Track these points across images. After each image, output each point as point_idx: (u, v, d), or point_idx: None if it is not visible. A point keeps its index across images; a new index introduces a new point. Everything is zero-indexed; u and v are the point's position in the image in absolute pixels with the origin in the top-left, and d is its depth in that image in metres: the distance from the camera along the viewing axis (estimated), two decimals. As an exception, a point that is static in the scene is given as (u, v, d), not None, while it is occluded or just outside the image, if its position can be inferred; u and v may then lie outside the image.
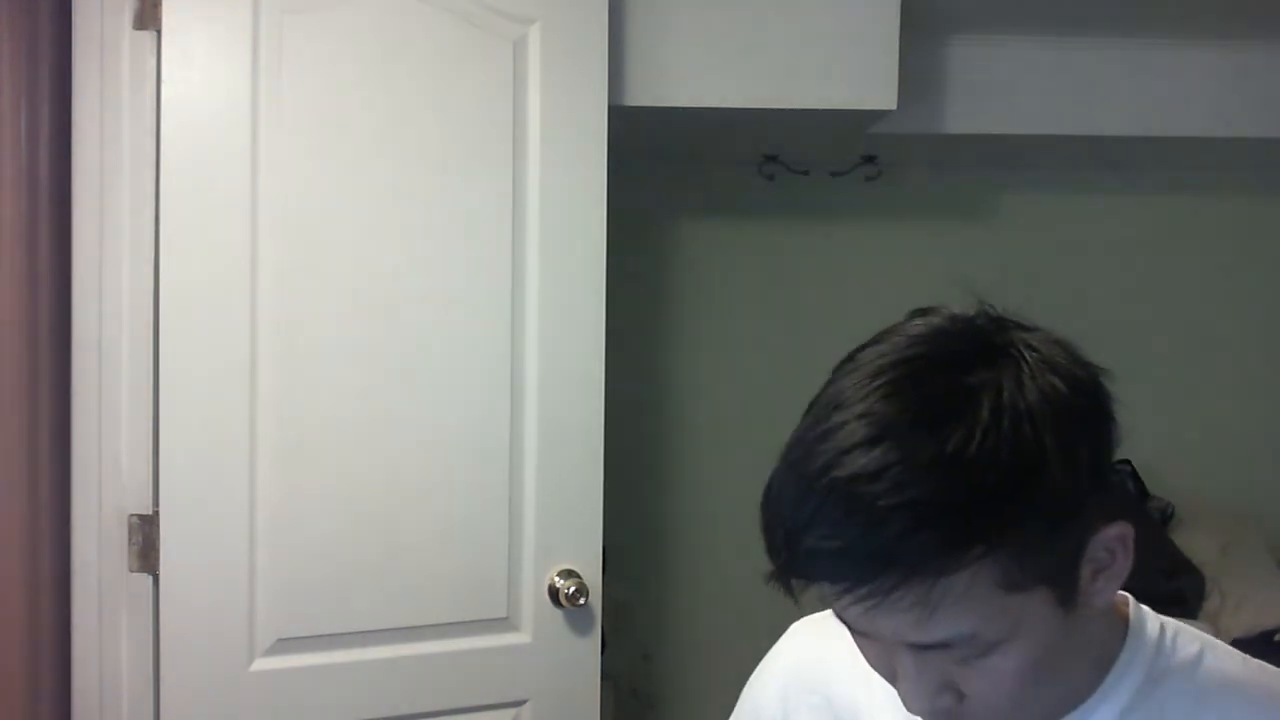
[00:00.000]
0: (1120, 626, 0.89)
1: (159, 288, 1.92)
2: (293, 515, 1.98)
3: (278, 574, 1.97)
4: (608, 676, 2.33)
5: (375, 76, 2.01)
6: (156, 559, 1.93)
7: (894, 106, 2.49)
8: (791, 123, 2.64)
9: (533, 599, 2.13)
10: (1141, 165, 3.51)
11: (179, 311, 1.92)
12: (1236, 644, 0.94)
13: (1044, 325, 0.83)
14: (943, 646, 0.76)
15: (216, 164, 1.93)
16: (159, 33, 1.91)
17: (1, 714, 1.91)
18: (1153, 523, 3.21)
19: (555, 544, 2.13)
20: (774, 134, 3.00)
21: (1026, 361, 0.77)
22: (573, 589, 2.10)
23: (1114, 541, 0.80)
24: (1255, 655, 0.91)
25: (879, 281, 3.22)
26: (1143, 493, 3.31)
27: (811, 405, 0.80)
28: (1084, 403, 0.78)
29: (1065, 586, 0.78)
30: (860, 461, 0.73)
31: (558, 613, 2.13)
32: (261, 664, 1.98)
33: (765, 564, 0.82)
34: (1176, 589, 2.89)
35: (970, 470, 0.72)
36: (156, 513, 1.93)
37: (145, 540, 1.94)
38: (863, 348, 0.81)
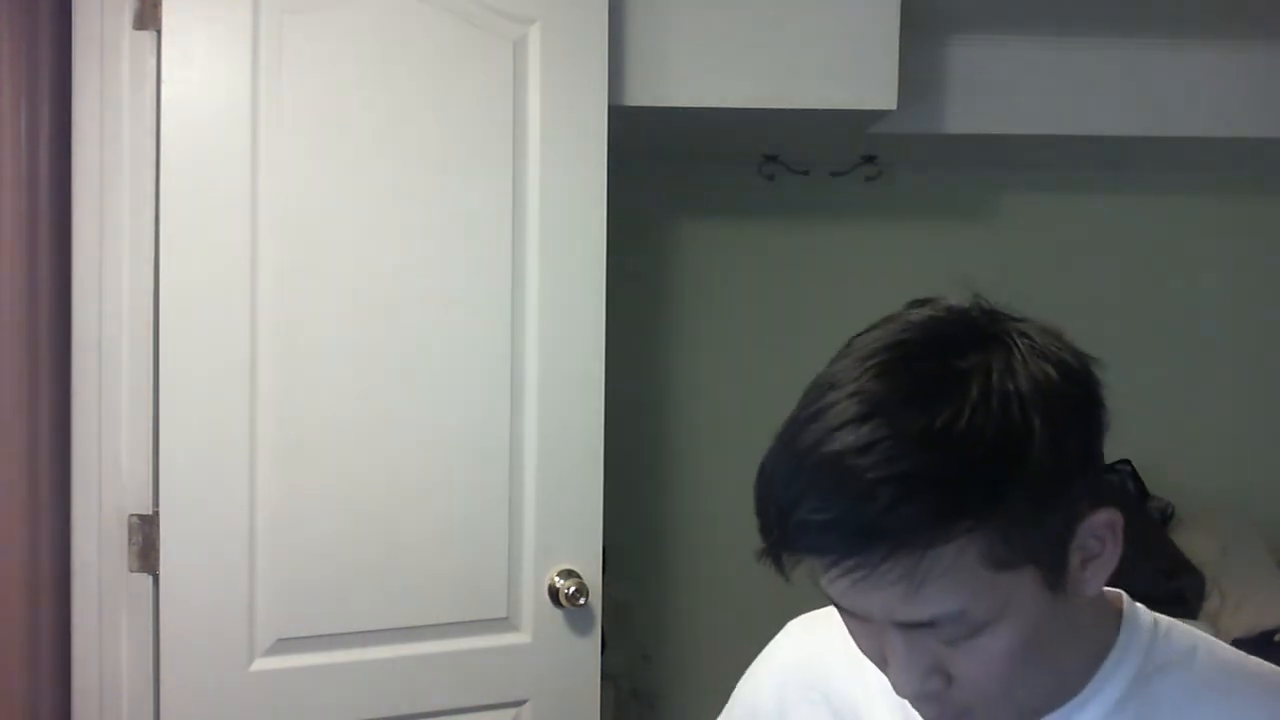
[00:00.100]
0: (1114, 621, 0.90)
1: (159, 288, 1.92)
2: (293, 515, 1.98)
3: (278, 574, 1.97)
4: (608, 676, 2.33)
5: (375, 76, 2.01)
6: (156, 559, 1.93)
7: (894, 106, 2.49)
8: (791, 123, 2.64)
9: (533, 599, 2.13)
10: (1141, 165, 3.51)
11: (179, 311, 1.92)
12: (1236, 644, 0.94)
13: (1055, 324, 0.84)
14: (930, 625, 0.77)
15: (216, 164, 1.93)
16: (159, 33, 1.91)
17: (1, 714, 1.91)
18: (1153, 523, 3.21)
19: (555, 544, 2.13)
20: (774, 134, 3.00)
21: (1018, 347, 0.78)
22: (573, 589, 2.10)
23: (1103, 529, 0.81)
24: (1255, 655, 0.92)
25: (879, 281, 3.21)
26: (1143, 493, 3.32)
27: (808, 389, 0.81)
28: (1074, 389, 0.79)
29: (1053, 569, 0.78)
30: (850, 437, 0.74)
31: (558, 613, 2.13)
32: (261, 664, 1.98)
33: (764, 562, 0.82)
34: (1176, 589, 2.89)
35: (958, 445, 0.73)
36: (156, 513, 1.93)
37: (145, 540, 1.94)
38: (860, 334, 0.83)
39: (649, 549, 3.32)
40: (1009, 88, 2.93)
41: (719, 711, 1.12)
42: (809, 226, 3.41)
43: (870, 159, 3.27)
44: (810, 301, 3.31)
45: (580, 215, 2.13)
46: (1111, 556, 0.82)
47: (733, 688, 1.12)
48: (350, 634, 2.02)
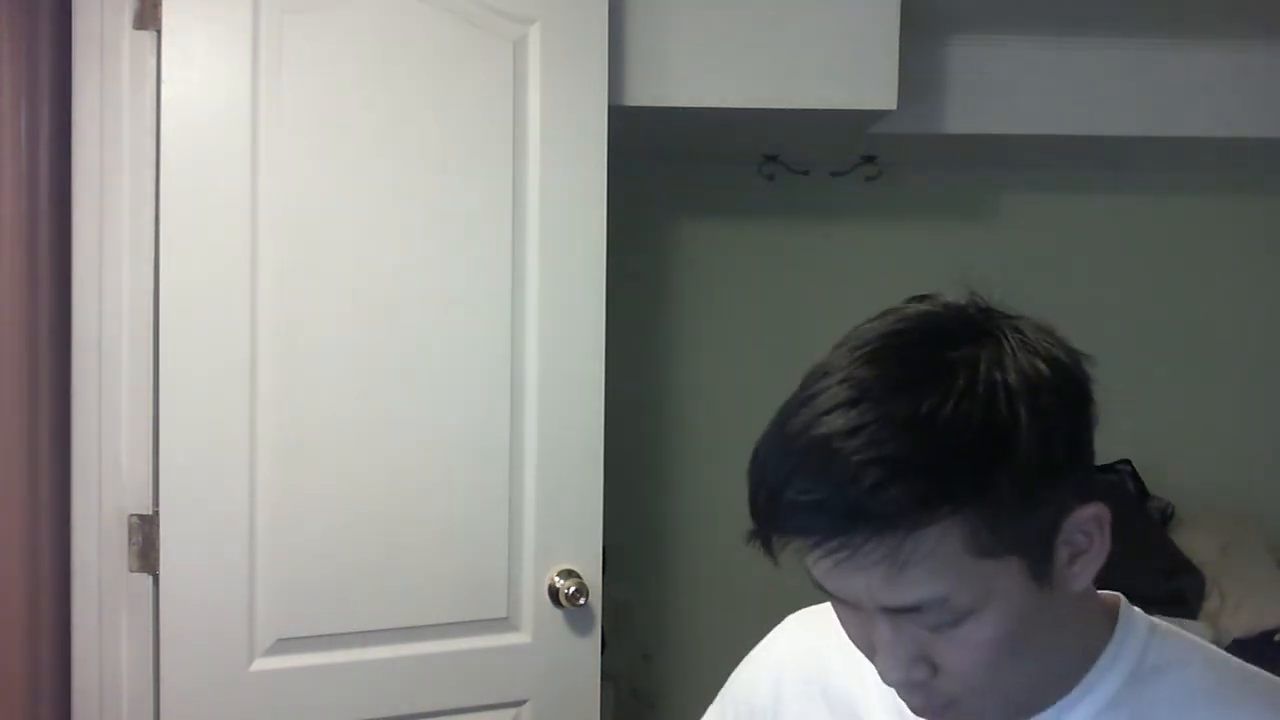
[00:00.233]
0: (1109, 622, 0.90)
1: (159, 288, 1.92)
2: (293, 515, 1.98)
3: (278, 574, 1.97)
4: (608, 676, 2.33)
5: (375, 76, 2.01)
6: (156, 559, 1.93)
7: (894, 106, 2.49)
8: (791, 123, 2.64)
9: (533, 599, 2.13)
10: (1141, 165, 3.51)
11: (179, 311, 1.92)
12: (1236, 644, 0.95)
13: (1050, 321, 0.85)
14: (915, 611, 0.78)
15: (216, 164, 1.93)
16: (159, 33, 1.91)
17: (1, 714, 1.91)
18: (1153, 523, 3.21)
19: (555, 544, 2.13)
20: (774, 134, 3.00)
21: (1009, 342, 0.80)
22: (573, 589, 2.10)
23: (1090, 523, 0.81)
24: (1255, 655, 0.91)
25: (879, 281, 3.20)
26: (1143, 493, 3.32)
27: (804, 376, 0.83)
28: (1063, 383, 0.80)
29: (1039, 560, 0.79)
30: (839, 421, 0.76)
31: (558, 613, 2.13)
32: (261, 664, 1.98)
33: (764, 562, 0.83)
34: (1176, 589, 2.89)
35: (943, 431, 0.75)
36: (156, 513, 1.93)
37: (145, 540, 1.94)
38: (858, 326, 0.84)
39: (649, 549, 3.32)
40: (1009, 88, 2.93)
41: (719, 711, 1.12)
42: (809, 226, 3.41)
43: (870, 159, 3.27)
44: (810, 301, 3.31)
45: (580, 215, 2.13)
46: (1100, 552, 0.82)
47: (732, 687, 1.12)
48: (350, 634, 2.02)
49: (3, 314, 1.89)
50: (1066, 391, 0.80)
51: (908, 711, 0.88)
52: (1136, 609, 0.92)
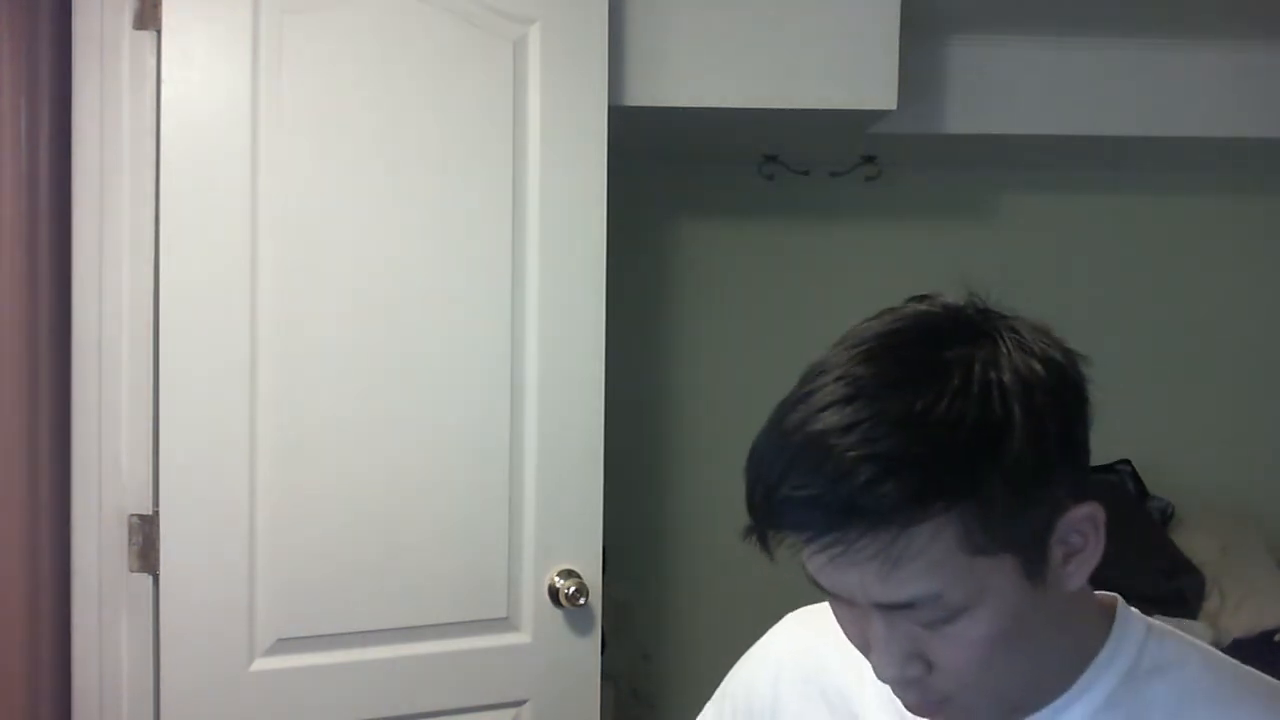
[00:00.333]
0: (1105, 623, 0.90)
1: (159, 288, 1.92)
2: (293, 515, 1.98)
3: (278, 574, 1.97)
4: (608, 676, 2.33)
5: (375, 76, 2.01)
6: (156, 559, 1.93)
7: (894, 106, 2.49)
8: (791, 123, 2.64)
9: (533, 599, 2.13)
10: (1141, 165, 3.51)
11: (179, 311, 1.92)
12: (1236, 644, 0.95)
13: (1047, 322, 0.86)
14: (909, 607, 0.78)
15: (216, 164, 1.93)
16: (159, 33, 1.91)
17: (1, 714, 1.91)
18: (1153, 523, 3.21)
19: (555, 544, 2.13)
20: (774, 134, 3.00)
21: (1005, 342, 0.80)
22: (573, 589, 2.10)
23: (1084, 523, 0.82)
24: (1255, 655, 0.91)
25: (879, 281, 3.20)
26: (1143, 493, 3.32)
27: (802, 373, 0.84)
28: (1058, 383, 0.81)
29: (1033, 559, 0.80)
30: (834, 418, 0.77)
31: (558, 613, 2.13)
32: (261, 664, 1.98)
33: (763, 562, 0.84)
34: (1176, 589, 2.89)
35: (936, 428, 0.76)
36: (156, 513, 1.93)
37: (145, 540, 1.94)
38: (856, 326, 0.85)
39: (649, 549, 3.32)
40: (1009, 88, 2.93)
41: (719, 712, 1.12)
42: (809, 226, 3.41)
43: (870, 159, 3.27)
44: (810, 301, 3.31)
45: (580, 215, 2.13)
46: (1094, 552, 0.83)
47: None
48: (350, 634, 2.02)
49: (3, 314, 1.89)
50: (1061, 391, 0.80)
51: (906, 710, 0.88)
52: (1134, 609, 0.92)
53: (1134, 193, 3.54)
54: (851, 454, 0.75)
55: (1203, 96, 2.99)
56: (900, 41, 2.48)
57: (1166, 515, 3.30)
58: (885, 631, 0.81)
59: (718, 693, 1.11)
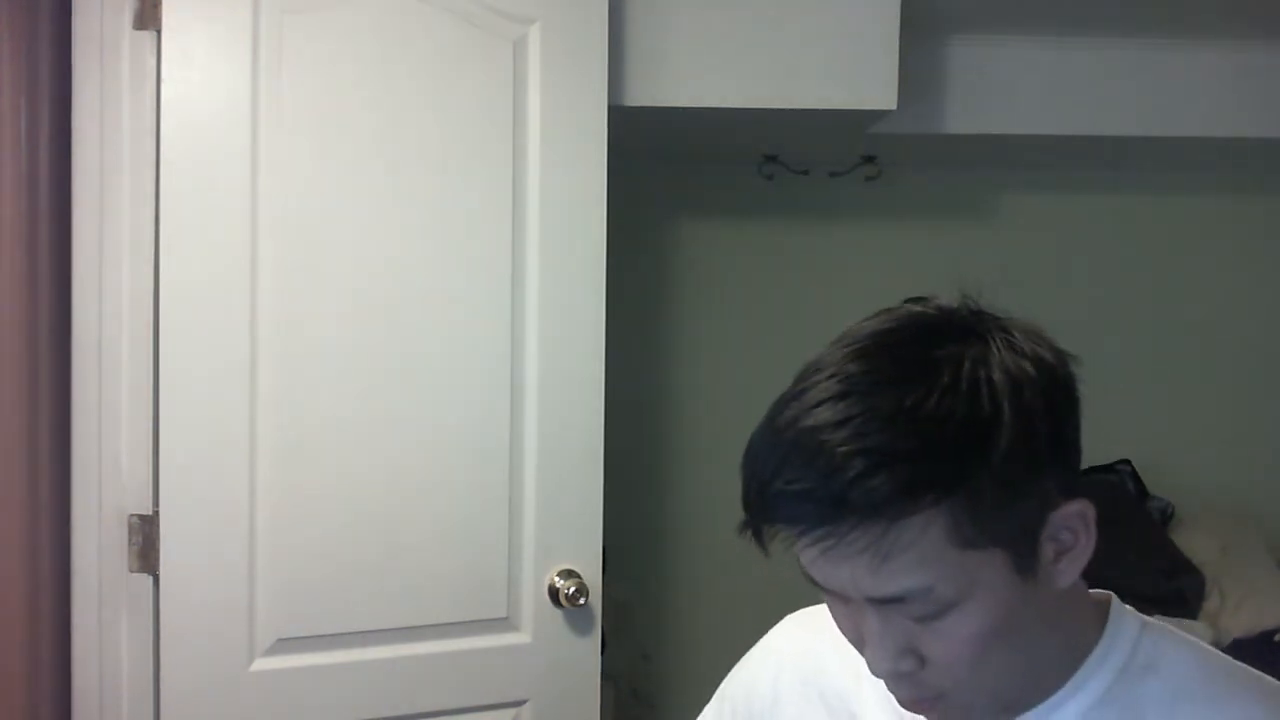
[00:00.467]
0: (1099, 621, 0.91)
1: (159, 288, 1.92)
2: (293, 515, 1.98)
3: (278, 574, 1.97)
4: (608, 676, 2.33)
5: (375, 76, 2.01)
6: (156, 559, 1.93)
7: (894, 106, 2.49)
8: (791, 123, 2.64)
9: (533, 599, 2.13)
10: (1141, 165, 3.51)
11: (179, 311, 1.92)
12: (1236, 644, 0.95)
13: (1039, 323, 0.87)
14: (900, 601, 0.79)
15: (216, 164, 1.93)
16: (159, 33, 1.91)
17: (1, 714, 1.91)
18: (1153, 523, 3.21)
19: (555, 544, 2.13)
20: (774, 134, 3.00)
21: (996, 342, 0.82)
22: (573, 589, 2.10)
23: (1075, 520, 0.83)
24: (1255, 655, 0.91)
25: (879, 281, 3.20)
26: (1143, 493, 3.32)
27: (798, 372, 0.86)
28: (1048, 382, 0.82)
29: (1023, 555, 0.81)
30: (826, 414, 0.79)
31: (558, 613, 2.13)
32: (261, 664, 1.98)
33: (763, 562, 0.85)
34: (1176, 589, 2.89)
35: (925, 423, 0.77)
36: (156, 513, 1.93)
37: (145, 540, 1.94)
38: (851, 326, 0.87)
39: (649, 549, 3.32)
40: (1009, 88, 2.93)
41: (719, 711, 1.12)
42: (809, 226, 3.41)
43: (870, 159, 3.27)
44: (810, 301, 3.31)
45: (580, 215, 2.13)
46: (1085, 549, 0.84)
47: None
48: (350, 634, 2.02)
49: (3, 314, 1.89)
50: (1051, 390, 0.82)
51: (905, 710, 0.88)
52: (1128, 607, 0.93)
53: (1134, 193, 3.54)
54: (843, 449, 0.77)
55: (1203, 96, 2.99)
56: (900, 41, 2.48)
57: (1166, 515, 3.30)
58: (878, 626, 0.82)
59: (717, 694, 1.12)
